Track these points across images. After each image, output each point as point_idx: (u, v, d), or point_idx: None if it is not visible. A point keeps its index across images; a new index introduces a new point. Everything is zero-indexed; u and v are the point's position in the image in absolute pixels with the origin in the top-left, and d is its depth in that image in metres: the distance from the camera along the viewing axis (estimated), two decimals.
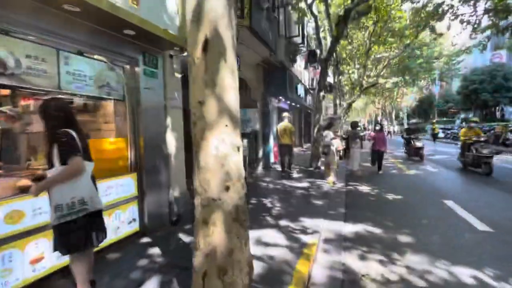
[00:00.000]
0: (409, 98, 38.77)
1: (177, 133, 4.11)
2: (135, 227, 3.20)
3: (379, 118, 40.05)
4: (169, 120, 3.78)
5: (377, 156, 7.78)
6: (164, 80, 3.72)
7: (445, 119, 33.06)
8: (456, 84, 35.42)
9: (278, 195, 5.39)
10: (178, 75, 4.15)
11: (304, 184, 6.30)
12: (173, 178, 3.88)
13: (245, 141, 6.45)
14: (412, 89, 31.87)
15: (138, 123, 3.19)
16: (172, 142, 3.97)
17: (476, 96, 23.07)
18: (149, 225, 3.32)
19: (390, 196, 5.35)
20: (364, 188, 6.02)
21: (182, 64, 4.22)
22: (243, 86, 8.43)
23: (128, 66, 3.14)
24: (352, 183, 6.62)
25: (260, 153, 8.55)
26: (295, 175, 7.46)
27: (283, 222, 3.86)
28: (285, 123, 7.34)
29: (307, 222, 3.88)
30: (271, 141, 8.64)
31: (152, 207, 3.36)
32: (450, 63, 25.58)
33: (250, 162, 8.26)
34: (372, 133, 6.69)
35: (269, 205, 4.74)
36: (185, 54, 3.86)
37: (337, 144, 6.56)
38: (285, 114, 7.56)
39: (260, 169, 8.40)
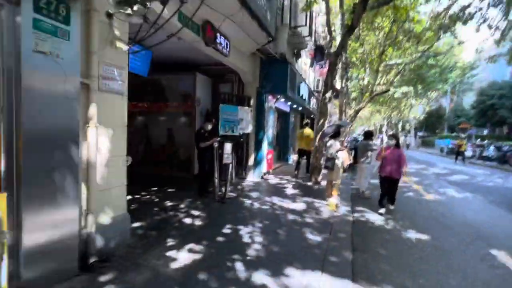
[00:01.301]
0: (417, 110, 37.37)
1: (114, 131, 2.79)
2: None
3: (384, 129, 38.54)
4: (93, 110, 2.46)
5: (387, 186, 4.85)
6: (87, 45, 2.41)
7: (453, 134, 31.61)
8: (468, 99, 33.96)
9: (263, 221, 4.04)
10: (123, 46, 2.84)
11: (299, 206, 4.94)
12: (95, 196, 2.55)
13: (228, 146, 5.12)
14: (420, 100, 30.48)
15: (16, 111, 1.87)
16: (103, 143, 2.65)
17: (493, 112, 21.61)
18: (33, 278, 1.99)
19: (412, 235, 3.98)
20: (376, 218, 4.64)
21: (132, 29, 2.93)
22: (235, 78, 7.14)
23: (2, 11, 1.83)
24: (359, 207, 5.25)
25: (251, 161, 7.21)
26: (289, 191, 6.11)
27: (258, 277, 2.52)
28: (306, 129, 7.99)
29: (296, 278, 2.53)
30: (264, 147, 7.30)
31: (40, 248, 2.03)
32: (464, 75, 24.20)
33: (237, 172, 6.92)
34: (387, 150, 5.03)
35: (246, 239, 3.38)
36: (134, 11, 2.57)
37: (344, 158, 5.23)
38: (306, 121, 8.54)
39: (249, 180, 7.05)
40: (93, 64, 2.46)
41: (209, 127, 5.21)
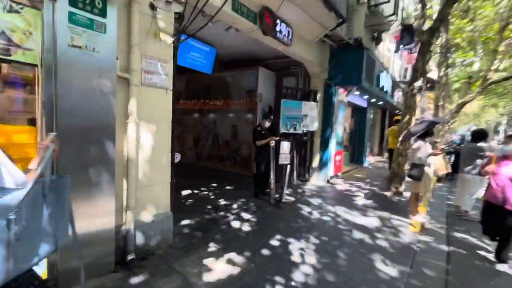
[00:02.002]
0: None
1: (157, 127, 2.71)
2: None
3: (503, 128, 29.99)
4: (133, 105, 2.39)
5: (494, 218, 3.02)
6: (127, 38, 2.35)
7: None
8: None
9: (320, 236, 3.38)
10: (168, 38, 2.71)
11: (371, 221, 4.01)
12: (136, 193, 2.50)
13: (286, 144, 4.60)
14: None
15: (55, 103, 1.89)
16: (145, 139, 2.59)
17: None
18: (69, 271, 2.02)
19: None
20: (485, 256, 3.28)
21: (177, 21, 2.78)
22: (300, 71, 6.53)
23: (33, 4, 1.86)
24: (459, 233, 3.88)
25: (316, 162, 6.48)
26: (360, 200, 5.13)
27: None
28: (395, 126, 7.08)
29: None
30: (332, 147, 6.43)
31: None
32: None
33: (299, 174, 6.33)
34: (501, 160, 3.10)
35: (295, 257, 2.84)
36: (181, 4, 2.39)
37: (438, 165, 3.96)
38: (398, 117, 7.27)
39: (312, 184, 6.35)
40: (134, 57, 2.38)
41: (267, 124, 4.81)
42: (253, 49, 6.34)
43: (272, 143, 4.57)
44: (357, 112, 9.63)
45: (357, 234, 3.52)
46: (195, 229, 3.41)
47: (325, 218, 4.06)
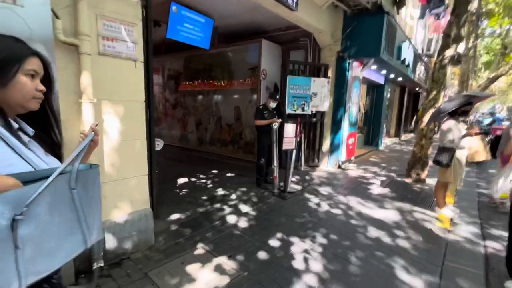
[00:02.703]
0: None
1: (126, 108, 2.20)
2: None
3: None
4: (87, 80, 1.87)
5: None
6: None
7: None
8: None
9: (329, 234, 2.88)
10: None
11: (389, 215, 3.46)
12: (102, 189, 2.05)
13: (290, 127, 4.02)
14: None
15: None
16: (110, 122, 2.10)
17: None
18: None
19: None
20: None
21: None
22: (309, 43, 5.78)
23: None
24: (496, 231, 3.27)
25: (326, 146, 5.87)
26: (375, 189, 4.55)
27: None
28: None
29: None
30: (344, 129, 5.78)
31: None
32: None
33: (307, 158, 5.78)
34: None
35: (298, 262, 2.36)
36: None
37: (475, 149, 3.29)
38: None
39: (322, 169, 5.79)
40: (82, 16, 1.83)
41: (273, 105, 4.23)
42: (256, 19, 5.60)
43: (275, 126, 4.00)
44: (373, 90, 8.76)
45: (373, 232, 2.99)
46: (184, 225, 2.99)
47: (335, 211, 3.55)
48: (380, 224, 3.20)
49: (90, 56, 1.89)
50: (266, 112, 4.22)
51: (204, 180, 4.70)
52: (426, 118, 4.75)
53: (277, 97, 4.30)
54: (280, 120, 4.14)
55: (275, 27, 6.14)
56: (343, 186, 4.64)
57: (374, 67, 6.47)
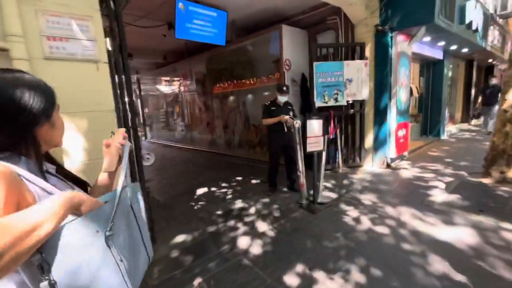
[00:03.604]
0: None
1: (90, 121, 1.81)
2: None
3: None
4: None
5: None
6: None
7: None
8: None
9: (371, 266, 2.09)
10: None
11: (463, 235, 2.47)
12: None
13: (315, 124, 3.25)
14: None
15: None
16: (69, 139, 1.73)
17: None
18: None
19: None
20: None
21: None
22: (339, 22, 4.90)
23: None
24: None
25: (369, 141, 4.87)
26: (439, 194, 3.47)
27: None
28: None
29: None
30: (392, 119, 4.70)
31: None
32: None
33: (347, 158, 4.91)
34: None
35: None
36: None
37: None
38: None
39: (366, 170, 4.83)
40: (10, 13, 1.46)
41: (282, 99, 3.58)
42: (274, 4, 4.94)
43: (296, 124, 3.31)
44: (429, 68, 7.21)
45: (437, 264, 2.10)
46: (187, 251, 2.54)
47: (381, 229, 2.69)
48: (448, 250, 2.27)
49: (28, 62, 1.53)
50: (274, 108, 3.59)
51: (224, 190, 4.24)
52: (510, 95, 3.46)
53: (284, 89, 3.60)
54: (286, 117, 3.45)
55: (298, 11, 5.38)
56: (393, 192, 3.67)
57: (427, 38, 5.18)
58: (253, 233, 2.78)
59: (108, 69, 1.89)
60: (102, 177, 0.86)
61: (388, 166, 4.76)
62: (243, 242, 2.62)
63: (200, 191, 4.26)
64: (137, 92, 11.38)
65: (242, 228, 2.91)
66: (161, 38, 6.37)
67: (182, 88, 8.74)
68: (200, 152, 7.87)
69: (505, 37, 8.51)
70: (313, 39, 5.36)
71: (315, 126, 3.22)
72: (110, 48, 2.12)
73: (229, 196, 3.93)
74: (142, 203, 0.84)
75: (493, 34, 7.19)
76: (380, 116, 4.68)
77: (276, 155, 3.76)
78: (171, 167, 6.26)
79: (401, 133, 4.96)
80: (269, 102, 3.71)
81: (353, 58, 4.71)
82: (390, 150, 4.76)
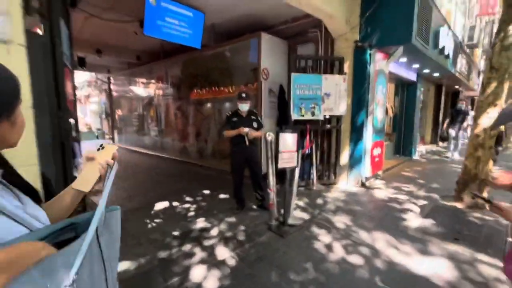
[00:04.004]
0: None
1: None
2: None
3: None
4: None
5: None
6: None
7: None
8: None
9: None
10: None
11: (441, 268, 2.26)
12: None
13: (289, 137, 2.99)
14: None
15: None
16: None
17: None
18: None
19: None
20: None
21: None
22: (320, 35, 4.80)
23: None
24: None
25: (344, 159, 4.71)
26: (413, 219, 3.31)
27: None
28: None
29: None
30: (367, 137, 4.59)
31: None
32: None
33: (321, 175, 4.70)
34: None
35: None
36: None
37: None
38: None
39: (340, 189, 4.64)
40: None
41: (243, 107, 3.29)
42: (255, 11, 4.74)
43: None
44: (404, 88, 7.40)
45: None
46: (126, 284, 2.08)
47: (354, 259, 2.42)
48: (426, 283, 2.04)
49: None
50: (235, 119, 3.29)
51: (188, 205, 3.80)
52: (483, 120, 3.46)
53: (243, 95, 3.28)
54: (246, 129, 3.18)
55: (281, 20, 5.23)
56: (367, 214, 3.46)
57: (403, 59, 5.24)
58: (211, 261, 2.38)
59: (25, 54, 1.47)
60: (66, 195, 0.73)
61: (363, 185, 4.61)
62: (197, 273, 2.21)
63: (160, 205, 3.78)
64: (108, 92, 10.61)
65: (199, 254, 2.50)
66: (133, 36, 5.91)
67: (157, 91, 8.21)
68: (170, 160, 7.33)
69: (471, 66, 9.07)
70: (293, 50, 5.21)
71: (288, 140, 2.95)
72: (41, 32, 1.71)
73: (191, 213, 3.50)
74: (116, 234, 0.69)
75: (461, 62, 7.58)
76: (357, 133, 4.56)
77: (238, 170, 3.41)
78: (132, 175, 5.68)
79: (376, 151, 4.87)
80: (230, 113, 3.40)
81: (332, 72, 4.59)
82: (365, 169, 4.63)
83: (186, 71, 6.74)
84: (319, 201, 3.94)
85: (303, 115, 4.37)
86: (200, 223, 3.18)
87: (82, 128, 13.55)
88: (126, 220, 3.27)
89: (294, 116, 4.32)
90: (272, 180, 3.07)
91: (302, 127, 4.43)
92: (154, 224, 3.17)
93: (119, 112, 10.41)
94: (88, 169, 0.71)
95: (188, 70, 6.68)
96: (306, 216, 3.38)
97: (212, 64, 5.93)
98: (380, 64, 4.62)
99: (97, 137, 12.98)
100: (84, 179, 0.71)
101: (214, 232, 2.95)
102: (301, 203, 3.80)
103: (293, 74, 4.26)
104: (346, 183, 4.69)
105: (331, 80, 4.40)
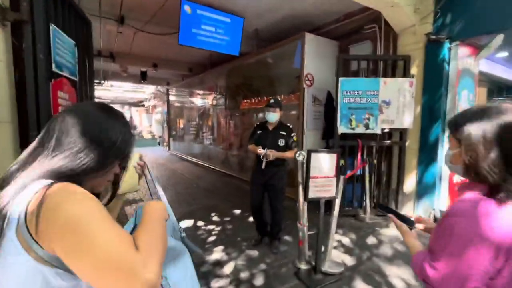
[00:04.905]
0: None
1: None
2: None
3: None
4: None
5: None
6: None
7: None
8: None
9: None
10: None
11: None
12: None
13: (324, 158, 2.30)
14: None
15: None
16: None
17: None
18: None
19: None
20: None
21: None
22: (378, 31, 3.99)
23: None
24: None
25: (409, 185, 3.66)
26: None
27: None
28: None
29: None
30: (443, 158, 3.46)
31: None
32: None
33: (376, 203, 3.79)
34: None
35: None
36: None
37: None
38: None
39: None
40: None
41: (272, 117, 2.67)
42: (300, 10, 4.23)
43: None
44: (501, 94, 5.67)
45: None
46: None
47: None
48: None
49: None
50: (260, 132, 2.72)
51: (212, 227, 3.42)
52: None
53: (272, 101, 2.65)
54: (263, 151, 2.55)
55: (330, 19, 4.60)
56: None
57: (502, 53, 3.89)
58: None
59: (5, 66, 1.30)
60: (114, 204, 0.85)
61: (436, 220, 3.47)
62: None
63: (183, 224, 3.51)
64: (167, 102, 11.47)
65: None
66: (184, 49, 6.06)
67: (206, 102, 8.38)
68: (214, 171, 7.24)
69: None
70: (345, 51, 4.45)
71: (324, 161, 2.27)
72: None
73: (212, 238, 3.10)
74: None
75: None
76: (428, 152, 3.49)
77: (255, 195, 2.78)
78: (173, 186, 5.69)
79: (458, 177, 3.65)
80: (259, 123, 2.87)
81: (393, 76, 3.67)
82: (440, 200, 3.48)
83: (229, 80, 6.60)
84: (371, 239, 3.05)
85: (353, 128, 3.57)
86: (217, 253, 2.73)
87: (147, 135, 15.04)
88: None
89: (341, 129, 3.56)
90: (302, 211, 2.43)
91: (353, 142, 3.63)
92: None
93: (176, 122, 11.09)
94: (127, 175, 0.83)
95: (232, 79, 6.52)
96: (349, 260, 2.59)
97: (254, 73, 5.60)
98: (465, 62, 3.47)
99: (159, 144, 14.18)
100: (128, 183, 0.88)
101: (228, 268, 2.46)
102: (345, 240, 3.00)
103: (340, 79, 3.53)
104: (412, 216, 3.62)
105: (392, 85, 3.49)
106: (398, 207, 3.72)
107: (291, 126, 2.78)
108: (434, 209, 3.46)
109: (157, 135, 15.07)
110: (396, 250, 2.80)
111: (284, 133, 2.68)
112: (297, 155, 2.40)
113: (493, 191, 0.66)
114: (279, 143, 2.65)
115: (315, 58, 4.26)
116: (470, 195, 0.69)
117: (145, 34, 4.87)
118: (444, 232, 0.70)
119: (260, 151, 2.58)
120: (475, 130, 0.69)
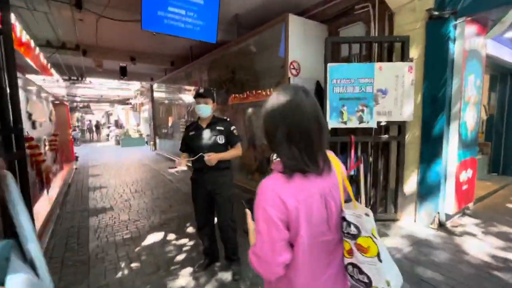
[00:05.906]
0: None
1: None
2: None
3: None
4: None
5: None
6: None
7: None
8: None
9: None
10: None
11: None
12: None
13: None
14: None
15: None
16: None
17: None
18: None
19: None
20: None
21: None
22: (372, 10, 3.50)
23: None
24: None
25: (410, 186, 3.22)
26: None
27: None
28: None
29: None
30: (450, 154, 3.01)
31: None
32: None
33: (373, 206, 3.34)
34: None
35: None
36: None
37: None
38: None
39: (404, 229, 3.16)
40: None
41: (204, 111, 2.14)
42: None
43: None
44: (505, 80, 5.24)
45: None
46: None
47: None
48: None
49: None
50: (193, 133, 2.21)
51: (184, 241, 2.94)
52: None
53: (201, 91, 2.12)
54: (182, 161, 2.16)
55: (317, 0, 4.08)
56: (450, 284, 2.02)
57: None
58: None
59: None
60: None
61: (441, 225, 3.05)
62: None
63: (152, 237, 3.03)
64: (151, 99, 10.87)
65: None
66: (162, 40, 5.50)
67: (190, 97, 7.82)
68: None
69: None
70: (335, 35, 3.95)
71: None
72: None
73: (180, 257, 2.61)
74: None
75: None
76: (431, 148, 3.04)
77: (199, 207, 2.31)
78: (151, 190, 5.19)
79: (465, 175, 3.22)
80: (189, 123, 2.33)
81: (390, 60, 3.20)
82: (446, 201, 3.05)
83: (214, 73, 6.07)
84: None
85: (345, 122, 3.10)
86: (183, 278, 2.26)
87: (134, 134, 14.43)
88: (99, 259, 2.57)
89: (332, 123, 3.09)
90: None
91: (344, 138, 3.17)
92: (125, 272, 2.38)
93: (162, 120, 10.50)
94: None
95: (214, 72, 5.98)
96: None
97: (236, 63, 5.07)
98: (473, 42, 3.00)
99: (147, 143, 13.59)
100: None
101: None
102: None
103: (329, 65, 3.05)
104: (413, 221, 3.19)
105: (389, 71, 3.02)
106: (398, 210, 3.27)
107: (228, 119, 2.26)
108: (438, 213, 3.03)
109: (144, 134, 14.46)
110: (398, 261, 2.36)
111: (222, 128, 2.17)
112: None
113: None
114: (218, 141, 2.15)
115: (301, 44, 3.76)
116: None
117: (112, 23, 4.31)
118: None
119: (181, 162, 2.09)
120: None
